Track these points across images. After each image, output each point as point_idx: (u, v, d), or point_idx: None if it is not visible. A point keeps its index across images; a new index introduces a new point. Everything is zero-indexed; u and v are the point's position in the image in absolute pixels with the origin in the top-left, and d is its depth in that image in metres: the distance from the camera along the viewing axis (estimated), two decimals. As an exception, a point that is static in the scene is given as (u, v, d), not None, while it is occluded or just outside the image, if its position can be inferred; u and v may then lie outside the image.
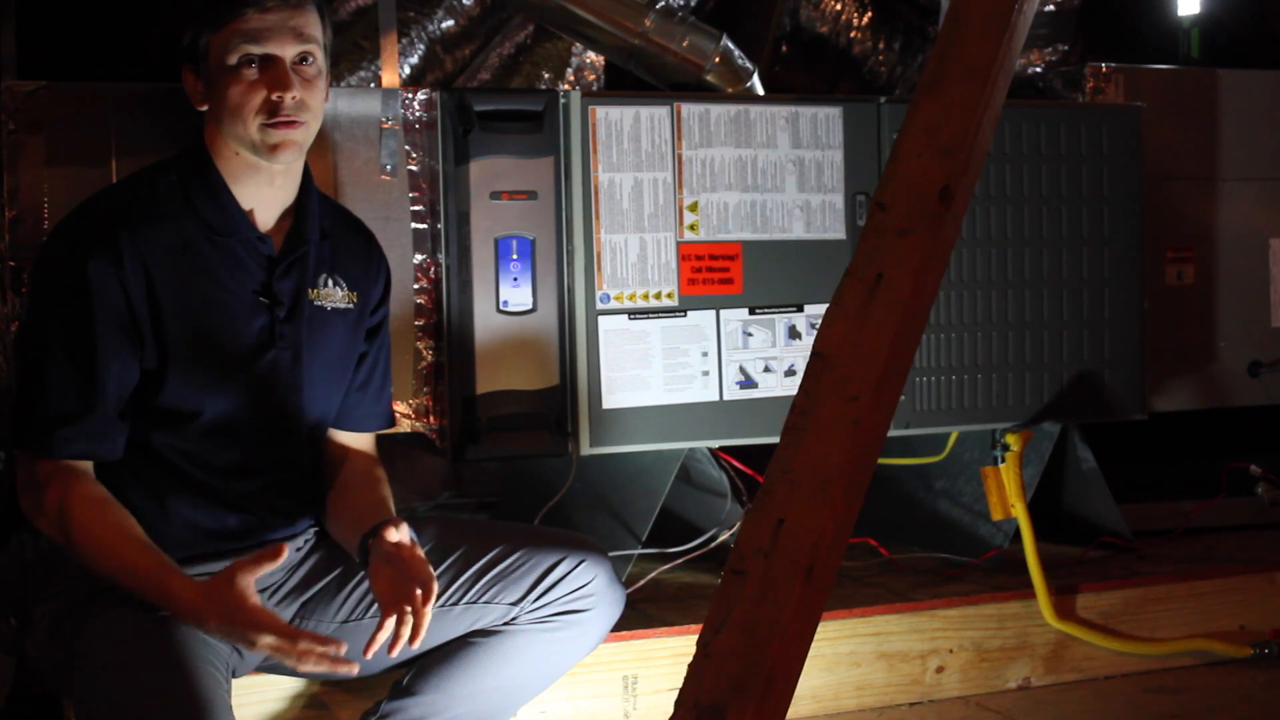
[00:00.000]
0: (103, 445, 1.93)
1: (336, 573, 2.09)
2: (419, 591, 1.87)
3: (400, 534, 1.95)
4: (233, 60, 1.95)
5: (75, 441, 1.91)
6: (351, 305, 2.13)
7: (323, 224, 2.11)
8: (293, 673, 2.15)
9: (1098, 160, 2.87)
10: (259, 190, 2.03)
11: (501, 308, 2.47)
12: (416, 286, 2.50)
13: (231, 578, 1.82)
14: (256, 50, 1.95)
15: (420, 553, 1.94)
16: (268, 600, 2.01)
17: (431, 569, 1.92)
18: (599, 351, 2.53)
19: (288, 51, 1.97)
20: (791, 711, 1.67)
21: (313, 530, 2.14)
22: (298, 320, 2.05)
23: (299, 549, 2.10)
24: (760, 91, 2.97)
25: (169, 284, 1.95)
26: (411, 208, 2.50)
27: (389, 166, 2.48)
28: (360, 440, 2.20)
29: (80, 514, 1.88)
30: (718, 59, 2.90)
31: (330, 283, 2.10)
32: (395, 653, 1.87)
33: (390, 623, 1.85)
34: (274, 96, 1.95)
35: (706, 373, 2.60)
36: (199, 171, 2.01)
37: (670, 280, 2.58)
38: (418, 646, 1.89)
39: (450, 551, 2.11)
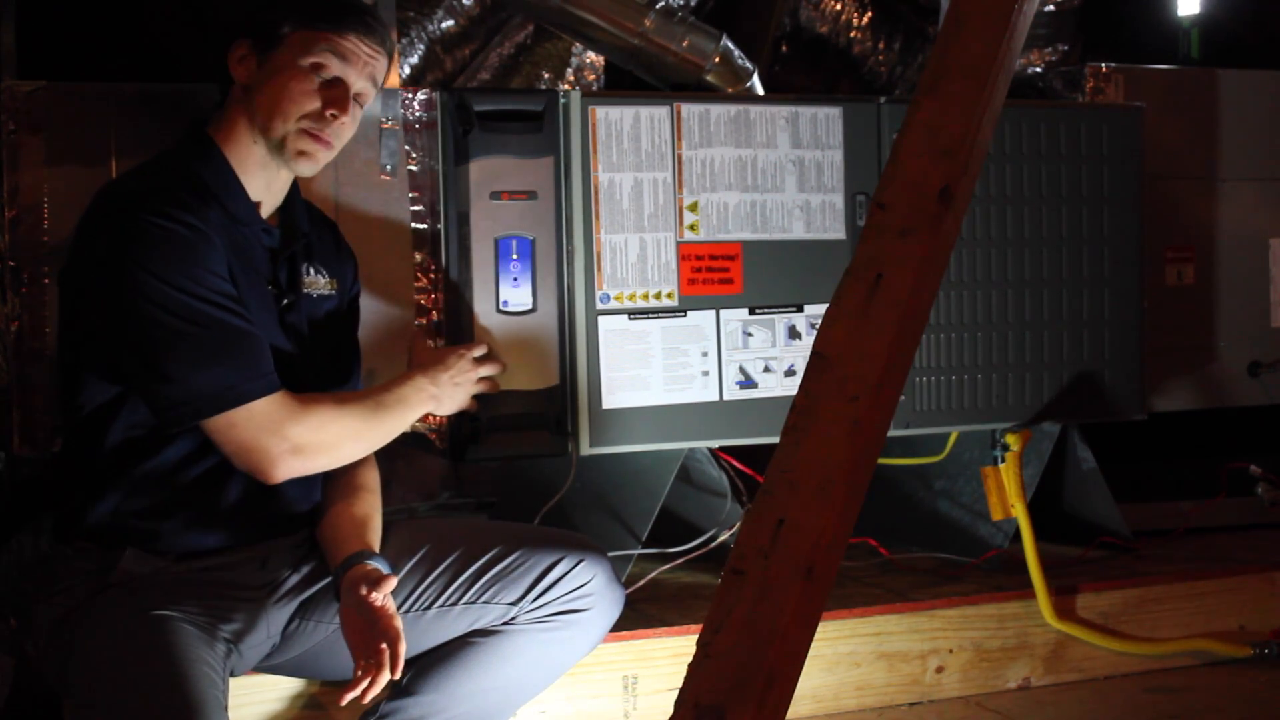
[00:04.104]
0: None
1: (337, 574, 2.09)
2: (384, 646, 1.88)
3: (368, 588, 1.93)
4: (307, 62, 2.00)
5: (274, 371, 1.93)
6: (333, 292, 2.17)
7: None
8: (293, 673, 2.16)
9: (1098, 160, 2.87)
10: (265, 184, 2.05)
11: (501, 308, 2.47)
12: (416, 286, 2.50)
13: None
14: (335, 67, 2.01)
15: (391, 606, 1.93)
16: (268, 598, 2.01)
17: (399, 623, 1.91)
18: (599, 351, 2.53)
19: (354, 83, 2.04)
20: (791, 711, 1.67)
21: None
22: (298, 309, 2.08)
23: (299, 546, 2.10)
24: (760, 91, 2.97)
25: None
26: (411, 208, 2.50)
27: (389, 166, 2.48)
28: None
29: (324, 414, 1.97)
30: (718, 59, 2.90)
31: (313, 271, 2.15)
32: (368, 700, 1.87)
33: (364, 675, 1.88)
34: (327, 112, 2.01)
35: (706, 373, 2.60)
36: (210, 162, 2.01)
37: (670, 280, 2.58)
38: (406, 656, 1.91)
39: (449, 552, 2.11)
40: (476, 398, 2.33)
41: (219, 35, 2.05)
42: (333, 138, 2.04)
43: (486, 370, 2.33)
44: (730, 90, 2.91)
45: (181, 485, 1.97)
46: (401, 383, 2.14)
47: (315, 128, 2.01)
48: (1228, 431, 3.58)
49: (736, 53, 2.93)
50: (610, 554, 2.23)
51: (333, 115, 2.01)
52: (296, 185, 2.13)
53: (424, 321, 2.50)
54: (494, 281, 2.47)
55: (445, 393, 2.20)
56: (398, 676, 1.89)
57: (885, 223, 1.69)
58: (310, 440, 1.94)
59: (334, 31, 2.01)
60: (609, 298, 2.54)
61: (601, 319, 2.53)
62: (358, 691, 1.85)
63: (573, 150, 2.52)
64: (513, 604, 2.08)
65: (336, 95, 2.01)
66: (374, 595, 1.92)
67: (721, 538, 2.71)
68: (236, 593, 1.98)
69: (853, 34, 3.87)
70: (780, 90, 3.52)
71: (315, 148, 2.02)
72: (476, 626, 2.09)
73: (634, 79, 3.04)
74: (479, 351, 2.32)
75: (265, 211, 2.07)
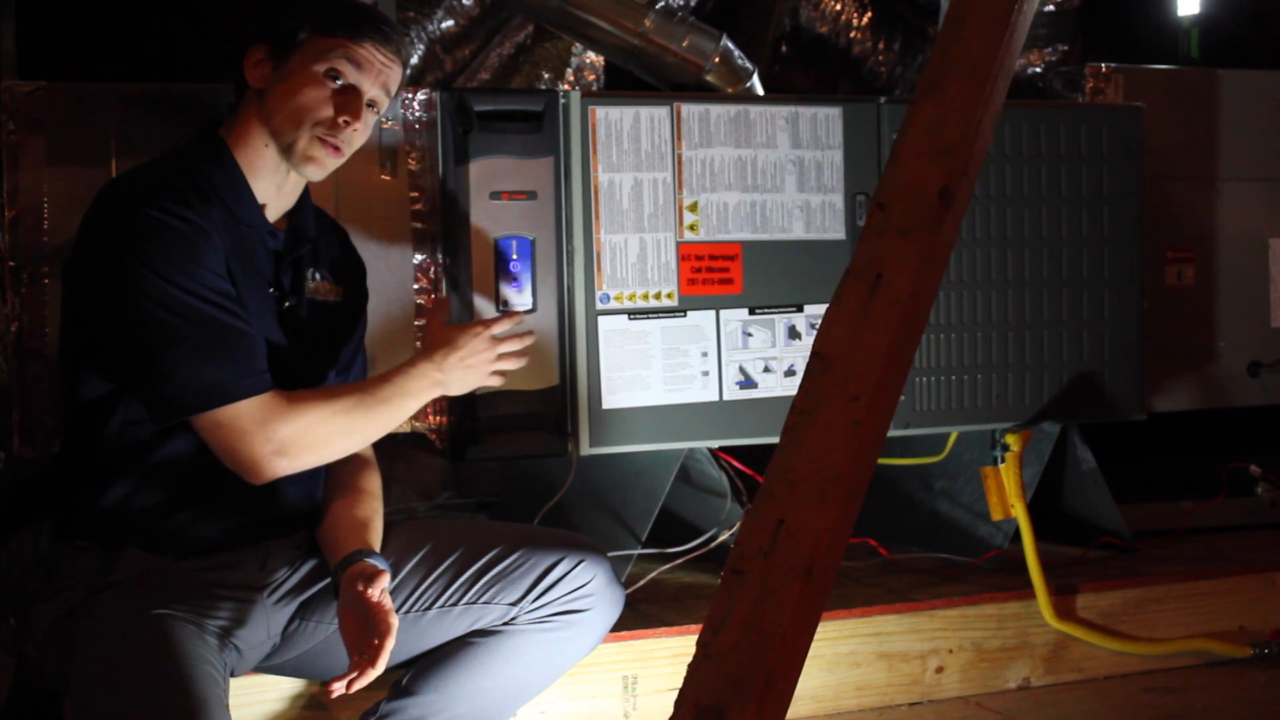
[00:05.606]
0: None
1: (336, 574, 2.09)
2: (378, 641, 1.88)
3: (364, 584, 1.93)
4: (322, 68, 2.01)
5: (267, 371, 1.92)
6: (339, 299, 2.17)
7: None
8: (294, 673, 2.16)
9: (1098, 160, 2.87)
10: (274, 188, 2.06)
11: (501, 308, 2.47)
12: (416, 286, 2.50)
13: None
14: (350, 74, 2.03)
15: (387, 602, 1.94)
16: (267, 598, 2.01)
17: (394, 619, 1.92)
18: (599, 351, 2.53)
19: (368, 91, 2.05)
20: (791, 711, 1.67)
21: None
22: (299, 313, 2.08)
23: (298, 547, 2.10)
24: (760, 91, 2.97)
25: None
26: (411, 208, 2.50)
27: (389, 166, 2.48)
28: None
29: (313, 414, 1.94)
30: (718, 59, 2.90)
31: (319, 276, 2.15)
32: (354, 689, 1.87)
33: (352, 667, 1.88)
34: (340, 119, 2.02)
35: (706, 373, 2.60)
36: (219, 163, 2.02)
37: (670, 280, 2.58)
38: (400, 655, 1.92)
39: (449, 552, 2.11)
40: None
41: (235, 39, 2.06)
42: (344, 144, 2.05)
43: (509, 347, 2.22)
44: (730, 90, 2.91)
45: (181, 482, 1.97)
46: (403, 371, 2.09)
47: (328, 134, 2.02)
48: (1228, 431, 3.58)
49: (736, 53, 2.93)
50: (610, 554, 2.23)
51: (345, 122, 2.02)
52: (308, 190, 2.14)
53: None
54: (494, 281, 2.47)
55: (452, 376, 2.13)
56: (380, 671, 1.89)
57: (885, 223, 1.69)
58: (297, 441, 1.93)
59: (350, 39, 2.02)
60: (609, 298, 2.54)
61: (601, 319, 2.53)
62: (343, 684, 1.85)
63: (573, 150, 2.52)
64: (513, 604, 2.08)
65: (350, 102, 2.02)
66: (370, 591, 1.92)
67: (721, 538, 2.71)
68: (236, 593, 1.98)
69: (853, 34, 3.87)
70: (780, 90, 3.52)
71: (325, 154, 2.03)
72: (477, 627, 2.09)
73: (634, 79, 3.04)
74: (500, 328, 2.22)
75: (273, 215, 2.07)
